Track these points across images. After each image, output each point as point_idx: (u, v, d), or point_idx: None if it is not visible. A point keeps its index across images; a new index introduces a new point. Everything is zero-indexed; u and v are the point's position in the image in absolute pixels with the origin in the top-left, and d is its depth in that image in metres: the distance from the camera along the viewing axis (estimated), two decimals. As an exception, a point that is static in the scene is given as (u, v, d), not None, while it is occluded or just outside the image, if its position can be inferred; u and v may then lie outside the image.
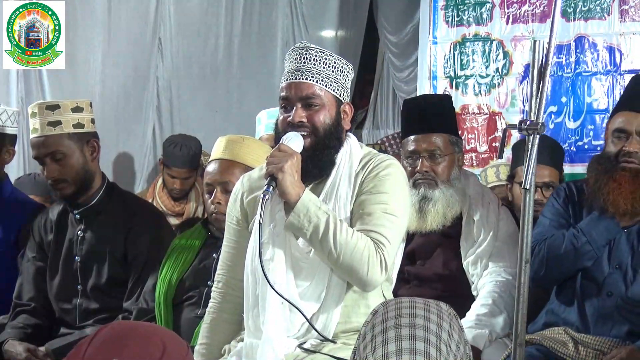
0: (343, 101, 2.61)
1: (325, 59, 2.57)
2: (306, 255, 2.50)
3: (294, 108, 2.54)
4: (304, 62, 2.55)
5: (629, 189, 2.83)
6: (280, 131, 2.58)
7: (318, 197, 2.53)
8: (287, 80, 2.57)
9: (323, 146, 2.55)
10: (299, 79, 2.55)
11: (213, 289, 2.77)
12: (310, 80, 2.54)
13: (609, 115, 5.12)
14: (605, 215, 2.87)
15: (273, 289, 2.40)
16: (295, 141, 2.50)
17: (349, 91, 2.65)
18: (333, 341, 2.49)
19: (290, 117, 2.54)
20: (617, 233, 2.87)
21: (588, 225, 2.89)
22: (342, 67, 2.60)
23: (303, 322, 2.48)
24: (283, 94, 2.57)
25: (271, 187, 2.42)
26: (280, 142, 2.51)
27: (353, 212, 2.54)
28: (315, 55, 2.56)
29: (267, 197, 2.42)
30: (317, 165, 2.55)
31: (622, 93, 3.03)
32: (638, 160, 2.85)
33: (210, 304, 2.76)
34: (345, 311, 2.53)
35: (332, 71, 2.57)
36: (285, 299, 2.43)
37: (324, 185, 2.57)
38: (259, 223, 2.43)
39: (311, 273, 2.50)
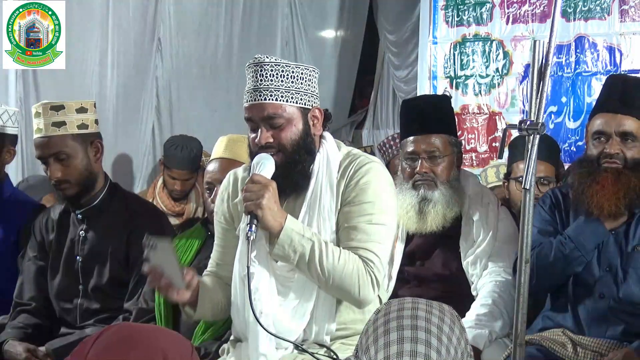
0: (310, 107, 2.53)
1: (283, 70, 2.48)
2: (292, 274, 2.49)
3: (259, 130, 2.50)
4: (261, 80, 2.47)
5: (612, 190, 2.82)
6: (252, 150, 2.55)
7: (300, 209, 2.50)
8: (247, 101, 2.52)
9: (293, 162, 2.50)
10: (258, 99, 2.48)
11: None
12: (269, 99, 2.47)
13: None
14: (590, 218, 2.86)
15: (264, 328, 2.37)
16: (266, 165, 2.46)
17: (317, 94, 2.56)
18: (328, 347, 2.50)
19: (257, 139, 2.50)
20: (605, 236, 2.86)
21: (575, 231, 2.88)
22: (302, 73, 2.51)
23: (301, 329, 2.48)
24: (246, 115, 2.53)
25: (253, 226, 2.38)
26: (252, 170, 2.47)
27: (338, 223, 2.51)
28: (272, 70, 2.47)
29: (251, 237, 2.38)
30: (290, 182, 2.51)
31: (598, 95, 3.03)
32: (620, 161, 2.84)
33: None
34: (340, 319, 2.53)
35: (292, 82, 2.49)
36: (273, 335, 2.40)
37: (304, 196, 2.53)
38: (247, 266, 2.37)
39: (299, 290, 2.48)
